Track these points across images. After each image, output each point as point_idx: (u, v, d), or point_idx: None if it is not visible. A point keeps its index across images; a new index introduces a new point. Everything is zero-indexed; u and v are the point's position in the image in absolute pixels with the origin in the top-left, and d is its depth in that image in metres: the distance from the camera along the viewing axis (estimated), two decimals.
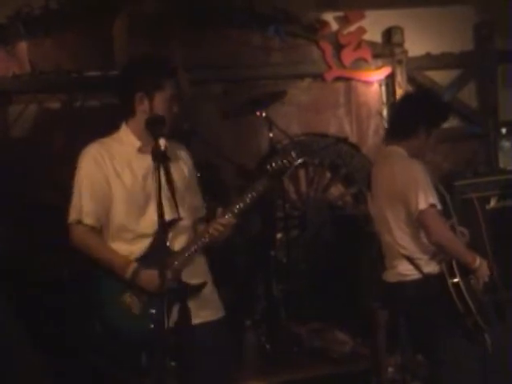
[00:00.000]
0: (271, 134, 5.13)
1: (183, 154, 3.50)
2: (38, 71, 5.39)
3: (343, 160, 5.83)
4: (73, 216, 3.27)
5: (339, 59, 6.01)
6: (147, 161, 3.18)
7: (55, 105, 5.46)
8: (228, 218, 3.28)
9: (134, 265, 3.18)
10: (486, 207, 5.15)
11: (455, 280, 3.63)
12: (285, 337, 4.90)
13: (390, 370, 4.82)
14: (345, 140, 5.88)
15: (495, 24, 6.39)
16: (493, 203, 5.23)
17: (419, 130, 3.79)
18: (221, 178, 5.21)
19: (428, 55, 6.27)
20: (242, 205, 3.30)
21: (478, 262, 3.68)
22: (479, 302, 3.71)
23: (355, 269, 5.02)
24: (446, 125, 6.08)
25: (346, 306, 5.12)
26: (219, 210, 3.34)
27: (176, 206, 3.20)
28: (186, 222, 3.32)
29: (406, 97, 4.45)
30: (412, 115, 3.83)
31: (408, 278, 3.75)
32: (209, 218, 3.43)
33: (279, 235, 5.40)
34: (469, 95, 6.48)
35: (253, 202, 3.33)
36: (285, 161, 3.39)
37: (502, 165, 6.12)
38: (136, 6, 5.44)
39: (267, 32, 5.86)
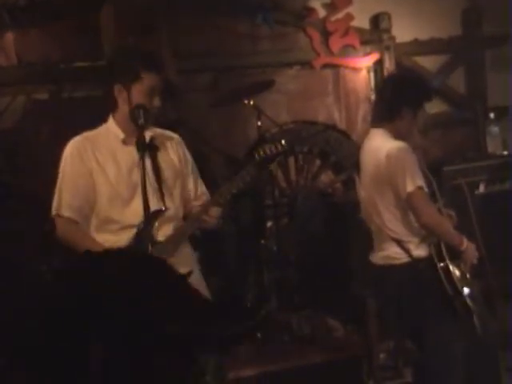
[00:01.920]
0: (259, 123, 5.13)
1: (174, 142, 3.49)
2: (24, 62, 5.37)
3: (332, 147, 5.81)
4: (54, 209, 3.30)
5: (327, 46, 6.01)
6: (132, 152, 3.23)
7: (43, 96, 5.44)
8: (214, 209, 3.30)
9: None
10: (475, 192, 5.16)
11: (444, 263, 3.65)
12: (275, 325, 4.90)
13: (382, 356, 4.85)
14: (334, 127, 5.87)
15: (483, 9, 6.38)
16: (482, 188, 5.24)
17: (403, 110, 3.74)
18: (209, 168, 5.20)
19: (416, 41, 6.27)
20: (228, 194, 3.33)
21: (466, 244, 3.70)
22: (468, 284, 3.72)
23: (346, 256, 5.02)
24: (434, 110, 6.17)
25: (336, 293, 5.12)
26: (207, 200, 3.37)
27: (162, 197, 3.23)
28: (172, 212, 3.32)
29: (388, 78, 4.46)
30: (394, 96, 3.80)
31: (397, 262, 3.75)
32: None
33: (269, 223, 5.40)
34: (457, 81, 6.50)
35: (240, 191, 3.36)
36: (273, 148, 3.41)
37: (490, 150, 6.12)
38: None
39: (255, 20, 5.84)
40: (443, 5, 6.30)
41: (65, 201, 3.27)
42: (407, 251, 3.72)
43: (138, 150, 2.99)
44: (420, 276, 3.70)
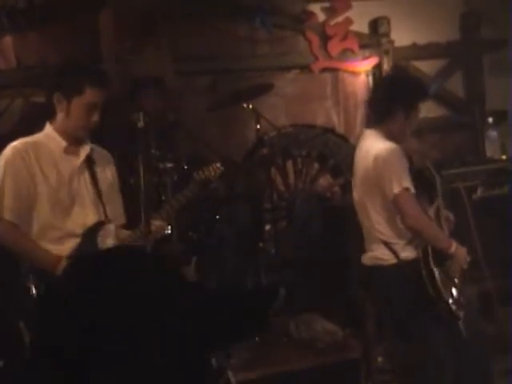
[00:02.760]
0: (258, 126, 5.13)
1: (107, 158, 3.57)
2: (23, 65, 5.37)
3: (331, 151, 5.82)
4: None
5: (326, 50, 6.01)
6: (73, 161, 3.33)
7: (41, 99, 5.43)
8: (159, 223, 3.42)
9: (64, 262, 3.20)
10: (472, 196, 5.16)
11: (429, 266, 3.62)
12: (274, 328, 4.90)
13: (380, 359, 4.84)
14: (332, 130, 5.88)
15: (482, 13, 6.39)
16: (480, 192, 5.24)
17: (395, 111, 3.70)
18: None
19: (414, 45, 6.29)
20: (170, 210, 3.53)
21: (454, 248, 3.66)
22: (457, 288, 3.70)
23: (343, 259, 5.02)
24: (433, 114, 6.17)
25: (335, 296, 5.13)
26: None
27: (104, 209, 3.33)
28: (111, 225, 3.38)
29: (382, 79, 4.45)
30: (386, 97, 3.77)
31: (384, 263, 3.75)
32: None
33: (267, 227, 5.40)
34: (456, 85, 6.50)
35: (180, 207, 3.56)
36: (212, 170, 3.69)
37: (488, 154, 6.13)
38: None
39: (253, 23, 5.84)
40: (441, 9, 6.31)
41: (6, 204, 3.25)
42: (394, 253, 3.72)
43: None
44: (405, 278, 3.69)
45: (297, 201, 5.66)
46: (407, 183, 3.60)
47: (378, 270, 3.81)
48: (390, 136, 3.73)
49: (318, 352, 4.73)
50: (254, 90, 5.14)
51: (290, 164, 5.85)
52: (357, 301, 4.88)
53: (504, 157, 5.94)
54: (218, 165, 3.73)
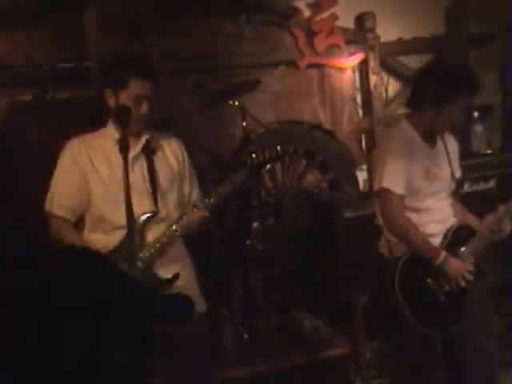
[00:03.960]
0: (245, 123, 5.13)
1: (174, 145, 3.57)
2: (8, 64, 5.34)
3: (318, 147, 5.82)
4: (46, 207, 3.38)
5: (312, 46, 5.98)
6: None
7: (27, 98, 5.41)
8: (201, 212, 3.34)
9: None
10: (460, 191, 5.17)
11: (397, 271, 3.53)
12: (263, 325, 4.91)
13: (369, 355, 4.86)
14: (319, 127, 5.88)
15: (467, 8, 6.39)
16: (466, 187, 5.26)
17: (426, 103, 3.60)
18: (196, 168, 5.19)
19: (400, 40, 6.28)
20: (215, 198, 3.42)
21: (442, 259, 3.54)
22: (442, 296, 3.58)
23: (332, 256, 5.03)
24: None
25: (323, 293, 5.14)
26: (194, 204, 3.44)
27: (155, 200, 3.27)
28: (163, 216, 3.37)
29: (421, 68, 4.04)
30: (418, 87, 3.68)
31: (383, 256, 3.77)
32: None
33: (255, 224, 5.39)
34: None
35: (228, 195, 3.40)
36: (266, 154, 3.45)
37: (474, 149, 6.14)
38: None
39: (239, 21, 5.83)
40: (427, 4, 6.30)
41: (57, 200, 3.35)
42: (389, 248, 3.70)
43: (121, 151, 3.00)
44: (386, 275, 3.66)
45: (284, 197, 5.66)
46: (388, 183, 3.52)
47: (380, 261, 3.84)
48: (421, 128, 3.67)
49: (306, 349, 4.75)
50: (241, 87, 5.13)
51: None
52: (345, 297, 4.90)
53: (490, 151, 5.96)
54: (278, 148, 3.59)
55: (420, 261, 3.56)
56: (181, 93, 5.62)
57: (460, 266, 3.58)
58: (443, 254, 3.55)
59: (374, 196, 3.69)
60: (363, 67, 6.17)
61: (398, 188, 3.53)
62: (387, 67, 6.26)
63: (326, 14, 6.01)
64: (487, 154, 5.82)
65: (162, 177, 3.42)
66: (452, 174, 3.77)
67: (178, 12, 5.63)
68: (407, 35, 6.26)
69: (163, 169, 3.44)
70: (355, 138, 6.15)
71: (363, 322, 4.86)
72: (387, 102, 6.26)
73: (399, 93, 6.30)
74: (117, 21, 5.38)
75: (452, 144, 3.88)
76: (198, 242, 4.50)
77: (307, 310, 5.07)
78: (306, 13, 6.02)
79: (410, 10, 6.18)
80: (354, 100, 6.16)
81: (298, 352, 4.70)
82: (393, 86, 6.32)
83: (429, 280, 3.58)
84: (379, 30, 6.14)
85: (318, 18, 6.01)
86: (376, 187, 3.57)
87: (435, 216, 3.66)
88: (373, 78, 6.12)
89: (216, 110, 5.48)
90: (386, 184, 3.52)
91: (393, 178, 3.52)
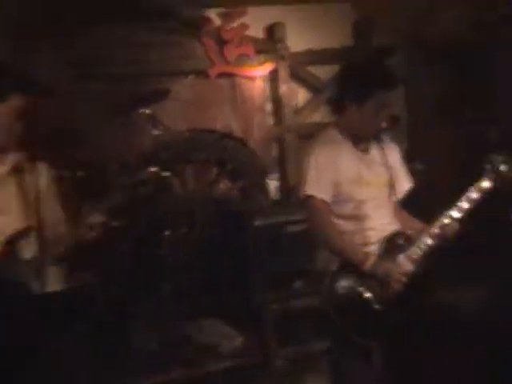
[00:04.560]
0: (156, 131, 5.10)
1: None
2: None
3: (229, 155, 5.85)
4: None
5: (222, 55, 6.01)
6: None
7: None
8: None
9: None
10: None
11: (333, 278, 3.41)
12: (174, 335, 4.88)
13: (280, 362, 4.89)
14: (230, 135, 5.91)
15: (373, 20, 6.53)
16: None
17: (346, 105, 3.50)
18: (105, 176, 5.13)
19: (309, 51, 6.36)
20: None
21: (372, 262, 3.38)
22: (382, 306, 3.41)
23: (244, 263, 5.04)
24: (328, 119, 6.25)
25: (235, 301, 5.14)
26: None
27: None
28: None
29: (338, 72, 4.02)
30: (337, 91, 3.57)
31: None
32: None
33: (166, 233, 5.36)
34: None
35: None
36: None
37: None
38: None
39: (150, 28, 5.79)
40: (335, 16, 6.42)
41: None
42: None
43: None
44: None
45: (196, 206, 5.65)
46: (311, 189, 3.46)
47: None
48: (347, 132, 3.56)
49: (218, 357, 4.75)
50: (151, 95, 5.11)
51: (188, 169, 5.85)
52: (257, 305, 4.92)
53: None
54: None
55: (352, 270, 3.40)
56: (89, 101, 5.53)
57: (392, 269, 3.41)
58: (372, 258, 3.40)
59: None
60: (273, 77, 6.23)
61: (321, 194, 3.45)
62: (297, 77, 6.34)
63: (236, 24, 6.04)
64: None
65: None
66: (390, 180, 3.62)
67: (88, 18, 5.55)
68: (316, 46, 6.35)
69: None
70: (266, 146, 6.19)
71: (275, 329, 4.89)
72: (297, 111, 6.32)
73: (309, 102, 6.38)
74: (24, 25, 5.26)
75: (392, 150, 3.74)
76: (109, 253, 4.47)
77: (219, 318, 5.07)
78: (217, 22, 6.03)
79: (320, 21, 6.28)
80: (265, 109, 6.21)
81: (209, 361, 4.70)
82: (302, 96, 6.40)
83: (361, 289, 3.41)
84: (289, 41, 6.21)
85: (228, 28, 6.03)
86: (300, 194, 3.49)
87: (371, 223, 3.53)
88: (283, 88, 6.18)
89: (126, 118, 5.43)
90: (310, 190, 3.45)
91: (316, 184, 3.45)
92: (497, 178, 3.44)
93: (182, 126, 5.80)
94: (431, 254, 3.48)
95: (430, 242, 3.45)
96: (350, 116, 3.52)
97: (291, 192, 6.07)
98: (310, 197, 3.46)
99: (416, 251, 3.46)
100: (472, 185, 3.45)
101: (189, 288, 5.26)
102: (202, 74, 6.01)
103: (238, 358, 4.78)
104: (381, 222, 3.56)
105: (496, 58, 5.93)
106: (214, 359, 4.73)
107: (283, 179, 6.22)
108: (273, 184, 6.09)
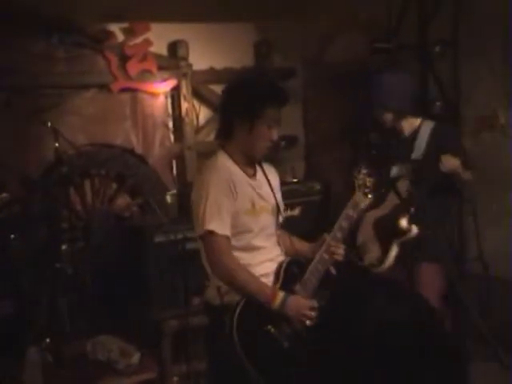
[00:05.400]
0: (57, 144, 5.05)
1: None
2: None
3: (130, 171, 5.85)
4: None
5: (125, 70, 5.99)
6: None
7: None
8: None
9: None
10: None
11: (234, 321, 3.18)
12: (70, 350, 4.83)
13: (176, 379, 4.91)
14: (131, 151, 5.91)
15: (273, 43, 6.68)
16: None
17: (236, 126, 3.32)
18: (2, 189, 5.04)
19: (212, 69, 6.43)
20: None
21: (279, 301, 3.20)
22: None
23: (142, 279, 5.04)
24: None
25: (132, 317, 5.13)
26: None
27: None
28: None
29: (223, 94, 3.58)
30: (225, 113, 3.39)
31: (211, 305, 3.41)
32: None
33: (64, 247, 5.31)
34: None
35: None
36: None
37: (280, 177, 6.34)
38: None
39: (51, 41, 5.72)
40: (236, 36, 6.51)
41: None
42: (220, 294, 3.32)
43: None
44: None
45: (94, 221, 5.62)
46: (211, 224, 3.19)
47: None
48: (236, 156, 3.36)
49: (114, 373, 4.73)
50: (51, 107, 5.07)
51: (88, 183, 5.81)
52: (155, 321, 4.93)
53: (295, 180, 6.23)
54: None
55: (257, 306, 3.21)
56: None
57: (300, 305, 3.24)
58: (280, 295, 3.22)
59: (198, 239, 3.32)
60: (175, 94, 6.26)
61: (222, 229, 3.21)
62: (199, 95, 6.39)
63: (139, 40, 6.05)
64: (292, 183, 6.07)
65: None
66: (277, 205, 3.47)
67: None
68: (219, 65, 6.43)
69: None
70: (166, 163, 6.22)
71: (172, 346, 4.91)
72: (198, 129, 6.38)
73: (209, 120, 6.45)
74: None
75: (272, 173, 3.57)
76: (5, 265, 4.40)
77: (116, 334, 5.05)
78: (120, 37, 6.03)
79: (222, 41, 6.37)
80: (166, 125, 6.24)
81: (106, 377, 4.68)
82: (204, 113, 6.45)
83: (269, 327, 3.23)
84: (192, 59, 6.27)
85: (131, 43, 6.03)
86: (198, 231, 3.24)
87: (268, 254, 3.39)
88: (184, 105, 6.23)
89: (26, 130, 5.36)
90: (210, 226, 3.19)
91: (217, 219, 3.20)
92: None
93: (83, 140, 5.76)
94: (327, 277, 3.38)
95: (320, 266, 3.35)
96: (239, 138, 3.33)
97: (190, 209, 6.11)
98: (211, 232, 3.20)
99: (310, 279, 3.35)
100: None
101: (86, 303, 5.23)
102: (104, 88, 5.97)
103: (134, 375, 4.77)
104: (276, 252, 3.44)
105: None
106: (110, 376, 4.70)
107: (182, 196, 6.24)
108: (172, 201, 6.11)
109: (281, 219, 3.52)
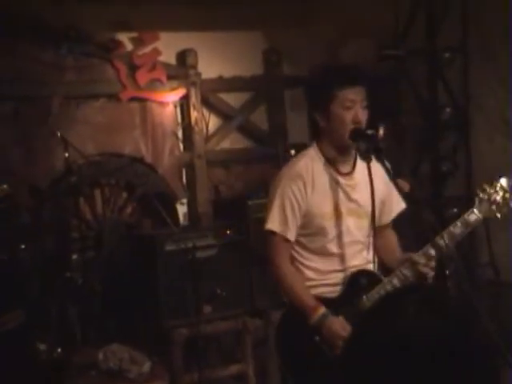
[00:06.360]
0: (67, 154, 5.07)
1: None
2: None
3: (139, 180, 5.85)
4: None
5: (134, 79, 6.01)
6: None
7: None
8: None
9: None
10: None
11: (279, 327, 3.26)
12: (81, 359, 4.82)
13: None
14: (140, 160, 5.91)
15: (282, 51, 6.68)
16: None
17: (317, 115, 3.17)
18: (14, 198, 5.04)
19: (221, 78, 6.44)
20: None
21: (318, 319, 3.08)
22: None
23: (153, 288, 5.04)
24: (238, 145, 6.37)
25: (143, 326, 5.13)
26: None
27: None
28: None
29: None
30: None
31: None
32: None
33: (75, 256, 5.32)
34: (260, 118, 6.70)
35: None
36: None
37: None
38: None
39: (60, 50, 5.74)
40: (245, 45, 6.51)
41: None
42: None
43: None
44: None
45: (105, 230, 5.63)
46: (273, 224, 3.17)
47: None
48: (326, 151, 3.21)
49: (125, 382, 4.71)
50: (62, 117, 5.09)
51: (98, 193, 5.82)
52: (165, 329, 4.92)
53: None
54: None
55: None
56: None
57: (335, 334, 3.08)
58: (319, 312, 3.09)
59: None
60: (184, 102, 6.27)
61: (282, 230, 3.17)
62: (208, 103, 6.40)
63: (148, 49, 6.07)
64: None
65: None
66: (373, 211, 3.17)
67: None
68: (228, 73, 6.43)
69: None
70: (176, 171, 6.22)
71: (183, 354, 4.90)
72: (207, 138, 6.38)
73: (219, 128, 6.45)
74: None
75: (378, 176, 3.17)
76: (16, 274, 4.41)
77: (127, 342, 5.03)
78: (129, 46, 6.04)
79: (231, 49, 6.37)
80: (176, 134, 6.23)
81: None
82: (213, 122, 6.46)
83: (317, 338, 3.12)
84: (201, 67, 6.27)
85: (140, 52, 6.05)
86: (263, 226, 3.22)
87: (341, 264, 3.21)
88: (194, 114, 6.23)
89: (36, 140, 5.37)
90: (272, 225, 3.17)
91: (278, 219, 3.16)
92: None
93: (93, 150, 5.76)
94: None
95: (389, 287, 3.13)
96: (325, 131, 3.18)
97: (200, 218, 6.12)
98: (272, 232, 3.18)
99: (380, 292, 3.13)
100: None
101: (96, 312, 5.22)
102: (113, 97, 5.99)
103: (145, 383, 4.76)
104: (354, 262, 3.24)
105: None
106: None
107: (192, 205, 6.25)
108: (182, 210, 6.11)
109: (385, 221, 3.37)
